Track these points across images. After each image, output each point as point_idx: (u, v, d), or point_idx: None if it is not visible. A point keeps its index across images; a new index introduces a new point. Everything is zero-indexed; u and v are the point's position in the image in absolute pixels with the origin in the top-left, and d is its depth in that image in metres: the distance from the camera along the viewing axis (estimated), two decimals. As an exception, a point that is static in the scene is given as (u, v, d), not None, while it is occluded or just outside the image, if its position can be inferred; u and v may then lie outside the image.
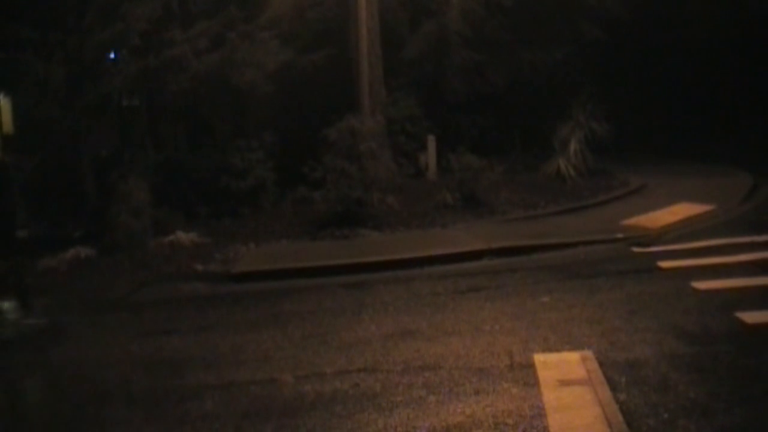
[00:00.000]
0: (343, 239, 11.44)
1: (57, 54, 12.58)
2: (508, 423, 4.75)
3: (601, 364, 5.57)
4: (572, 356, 5.83)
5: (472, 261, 9.82)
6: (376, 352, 6.29)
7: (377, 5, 15.03)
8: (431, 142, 15.75)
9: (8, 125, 18.36)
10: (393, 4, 16.54)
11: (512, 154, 16.27)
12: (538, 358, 5.85)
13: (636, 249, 9.79)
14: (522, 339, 6.37)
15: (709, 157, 17.14)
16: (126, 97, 14.12)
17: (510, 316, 7.09)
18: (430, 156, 15.73)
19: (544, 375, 5.47)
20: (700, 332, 6.18)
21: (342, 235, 11.55)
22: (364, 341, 6.64)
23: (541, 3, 17.66)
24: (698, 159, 17.22)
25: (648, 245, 9.92)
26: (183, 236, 11.75)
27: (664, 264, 8.64)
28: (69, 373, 6.70)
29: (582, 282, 8.18)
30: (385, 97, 15.61)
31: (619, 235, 10.46)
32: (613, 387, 5.14)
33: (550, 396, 5.09)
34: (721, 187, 13.71)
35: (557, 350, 6.03)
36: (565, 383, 5.30)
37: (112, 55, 13.57)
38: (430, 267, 9.48)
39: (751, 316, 6.40)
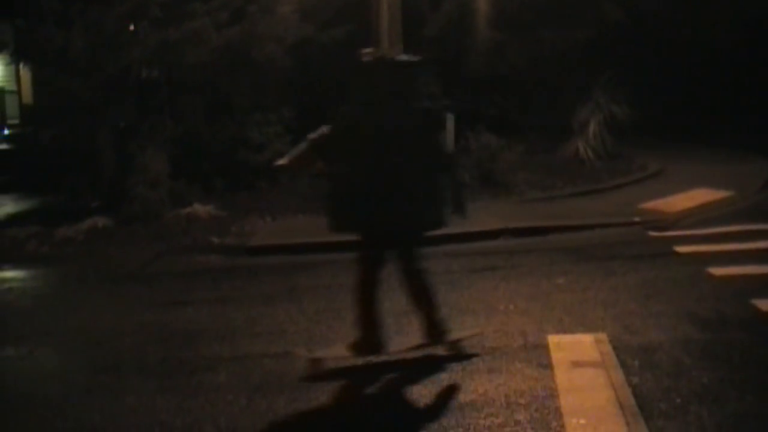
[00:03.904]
0: (359, 215, 11.42)
1: (77, 24, 12.56)
2: (521, 403, 4.76)
3: (614, 347, 5.58)
4: (586, 338, 5.83)
5: (488, 240, 9.80)
6: (389, 329, 6.30)
7: (398, -18, 14.91)
8: (450, 120, 15.64)
9: (28, 96, 18.46)
10: (414, -18, 16.40)
11: (531, 134, 16.15)
12: (552, 339, 5.85)
13: (652, 233, 9.74)
14: (536, 319, 6.37)
15: (728, 143, 16.99)
16: (145, 69, 14.10)
17: (525, 296, 7.09)
18: (448, 134, 15.59)
19: (558, 356, 5.48)
20: (714, 318, 6.16)
21: (358, 212, 11.52)
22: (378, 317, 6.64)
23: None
24: (718, 145, 17.06)
25: (665, 230, 9.86)
26: (200, 208, 11.79)
27: (681, 249, 8.60)
28: (83, 342, 6.76)
29: (597, 265, 8.16)
30: (405, 74, 15.51)
31: (636, 219, 10.40)
32: (626, 370, 5.14)
33: (562, 377, 5.10)
34: (740, 174, 13.59)
35: (571, 332, 6.03)
36: (578, 365, 5.30)
37: (132, 27, 13.55)
38: (446, 245, 9.46)
39: (766, 304, 6.37)
